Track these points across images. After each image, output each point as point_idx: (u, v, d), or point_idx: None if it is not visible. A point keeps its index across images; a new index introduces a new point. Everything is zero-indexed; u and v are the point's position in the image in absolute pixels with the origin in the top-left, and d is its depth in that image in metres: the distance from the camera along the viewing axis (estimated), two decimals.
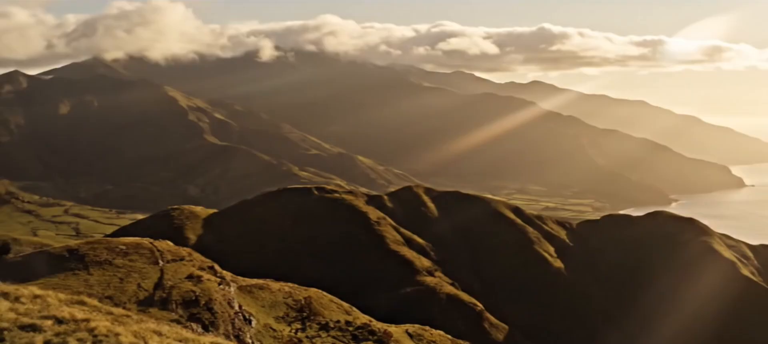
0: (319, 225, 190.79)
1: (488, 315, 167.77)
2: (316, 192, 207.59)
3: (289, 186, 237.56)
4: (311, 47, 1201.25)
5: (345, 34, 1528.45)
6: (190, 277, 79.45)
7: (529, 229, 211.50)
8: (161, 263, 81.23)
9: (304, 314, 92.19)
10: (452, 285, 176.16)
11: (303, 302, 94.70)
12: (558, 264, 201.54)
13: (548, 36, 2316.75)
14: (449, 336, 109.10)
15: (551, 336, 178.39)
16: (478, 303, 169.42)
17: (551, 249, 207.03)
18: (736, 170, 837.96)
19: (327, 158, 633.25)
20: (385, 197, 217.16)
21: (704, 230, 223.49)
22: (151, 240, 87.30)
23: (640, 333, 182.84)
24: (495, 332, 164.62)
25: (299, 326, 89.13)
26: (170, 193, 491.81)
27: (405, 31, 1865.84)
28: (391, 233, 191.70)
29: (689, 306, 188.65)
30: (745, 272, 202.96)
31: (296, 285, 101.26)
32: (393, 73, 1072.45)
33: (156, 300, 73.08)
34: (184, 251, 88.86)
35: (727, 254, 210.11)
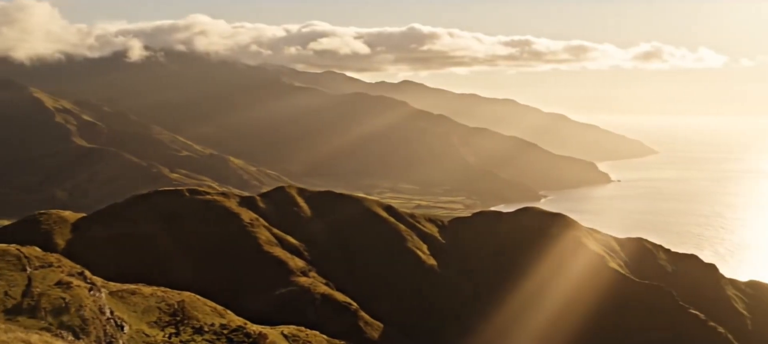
0: (192, 228, 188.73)
1: (363, 313, 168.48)
2: (187, 194, 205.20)
3: (160, 188, 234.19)
4: (181, 47, 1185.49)
5: (215, 33, 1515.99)
6: (59, 284, 77.83)
7: (402, 227, 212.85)
8: (29, 270, 79.41)
9: (178, 318, 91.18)
10: (327, 284, 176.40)
11: (176, 306, 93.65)
12: (431, 261, 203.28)
13: (418, 36, 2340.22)
14: (325, 336, 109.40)
15: (426, 332, 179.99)
16: (353, 302, 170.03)
17: (424, 247, 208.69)
18: (602, 166, 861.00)
19: (198, 160, 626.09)
20: (258, 198, 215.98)
21: (573, 225, 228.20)
22: (18, 247, 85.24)
23: (513, 328, 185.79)
24: (370, 330, 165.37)
25: (173, 330, 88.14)
26: (37, 198, 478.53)
27: (276, 31, 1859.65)
28: (264, 235, 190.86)
29: (560, 299, 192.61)
30: (613, 265, 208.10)
31: (169, 289, 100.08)
32: (264, 73, 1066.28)
33: (24, 308, 71.43)
34: (52, 257, 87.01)
35: (596, 247, 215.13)
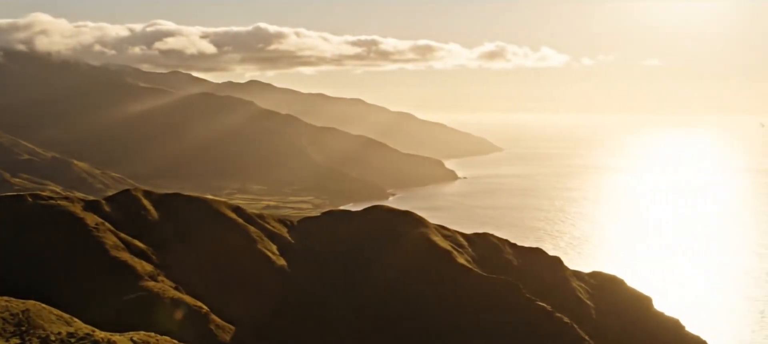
0: (35, 234, 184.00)
1: (214, 317, 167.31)
2: (30, 199, 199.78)
3: (0, 194, 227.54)
4: (21, 47, 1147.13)
5: (57, 33, 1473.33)
6: None
7: (252, 228, 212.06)
8: None
9: (23, 328, 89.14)
10: (176, 288, 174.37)
11: (21, 315, 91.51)
12: (281, 261, 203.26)
13: (265, 35, 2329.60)
14: (175, 341, 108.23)
15: (278, 333, 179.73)
16: (204, 306, 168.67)
17: (274, 247, 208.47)
18: (449, 164, 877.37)
19: (41, 164, 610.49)
20: (103, 202, 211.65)
21: (421, 222, 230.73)
22: None
23: (365, 325, 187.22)
24: (221, 333, 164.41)
25: (18, 341, 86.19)
26: None
27: (119, 30, 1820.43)
28: (111, 239, 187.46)
29: (409, 296, 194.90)
30: (461, 260, 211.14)
31: (13, 298, 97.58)
32: (108, 74, 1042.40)
33: None
34: None
35: (444, 243, 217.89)
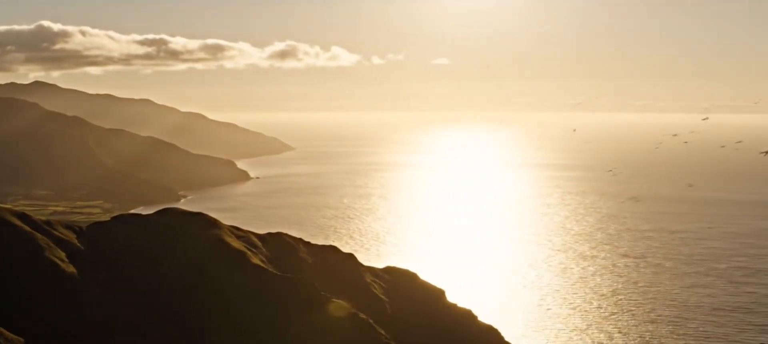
0: None
1: (2, 329, 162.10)
2: None
3: None
4: None
5: None
6: None
7: (39, 236, 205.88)
8: None
9: None
10: None
11: None
12: (71, 269, 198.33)
13: (49, 34, 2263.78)
14: None
15: (73, 341, 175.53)
16: None
17: (62, 254, 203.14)
18: (241, 164, 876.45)
19: None
20: None
21: (214, 223, 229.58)
22: None
23: (160, 329, 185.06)
24: None
25: None
26: None
27: None
28: None
29: (204, 298, 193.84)
30: (256, 260, 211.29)
31: None
32: None
33: None
34: None
35: (237, 244, 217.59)
